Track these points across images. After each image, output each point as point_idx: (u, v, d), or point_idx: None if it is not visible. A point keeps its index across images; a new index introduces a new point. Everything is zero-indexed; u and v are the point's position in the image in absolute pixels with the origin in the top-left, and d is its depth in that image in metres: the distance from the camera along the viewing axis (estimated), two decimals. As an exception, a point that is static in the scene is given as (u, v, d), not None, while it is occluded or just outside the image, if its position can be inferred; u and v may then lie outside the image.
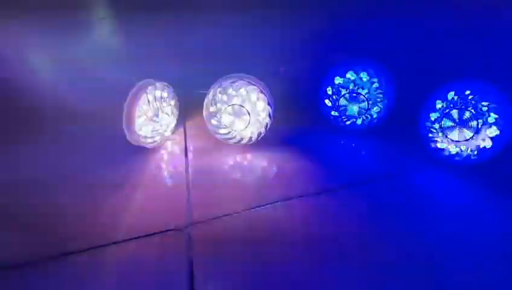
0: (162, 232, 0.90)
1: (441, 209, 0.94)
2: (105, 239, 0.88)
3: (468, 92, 0.98)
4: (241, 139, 1.15)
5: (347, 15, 1.26)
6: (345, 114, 1.17)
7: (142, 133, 1.09)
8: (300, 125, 1.27)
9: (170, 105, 1.17)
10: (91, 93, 1.33)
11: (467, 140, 0.99)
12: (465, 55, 1.12)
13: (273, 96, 1.13)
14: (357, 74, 1.13)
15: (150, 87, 1.08)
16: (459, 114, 0.98)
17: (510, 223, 0.89)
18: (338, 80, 1.15)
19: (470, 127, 0.98)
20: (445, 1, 1.13)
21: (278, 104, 1.16)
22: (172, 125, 1.20)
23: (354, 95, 1.13)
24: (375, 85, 1.13)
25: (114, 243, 0.88)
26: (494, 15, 1.06)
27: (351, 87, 1.14)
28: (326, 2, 1.26)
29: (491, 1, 1.05)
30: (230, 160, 1.14)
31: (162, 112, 1.13)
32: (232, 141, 1.15)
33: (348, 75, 1.14)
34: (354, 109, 1.15)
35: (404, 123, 1.13)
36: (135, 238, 0.88)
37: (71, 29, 1.44)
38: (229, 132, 1.14)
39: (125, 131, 1.05)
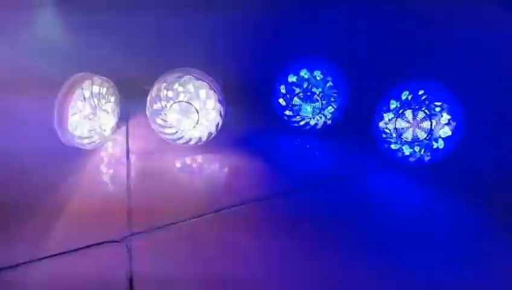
0: (99, 244, 0.83)
1: (395, 210, 0.94)
2: (36, 253, 0.80)
3: (421, 92, 0.97)
4: (190, 139, 1.07)
5: (300, 13, 1.25)
6: (299, 114, 1.13)
7: (77, 133, 1.00)
8: (253, 125, 1.22)
9: (110, 102, 1.07)
10: (24, 88, 1.20)
11: (420, 141, 0.98)
12: (418, 55, 1.12)
13: (224, 93, 1.07)
14: (311, 73, 1.09)
15: (86, 82, 0.99)
16: (413, 114, 0.97)
17: (461, 223, 0.91)
18: (292, 78, 1.11)
19: (422, 128, 0.97)
20: (397, 1, 1.13)
21: (230, 103, 1.10)
22: (112, 124, 1.10)
23: (308, 94, 1.10)
24: (329, 84, 1.10)
25: (46, 257, 0.79)
26: (446, 16, 1.07)
27: (304, 86, 1.10)
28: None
29: (443, 3, 1.06)
30: (177, 163, 1.07)
31: (100, 109, 1.04)
32: (179, 142, 1.07)
33: (302, 74, 1.10)
34: (307, 108, 1.12)
35: (358, 123, 1.12)
36: (69, 251, 0.81)
37: (9, 18, 1.30)
38: (176, 132, 1.06)
39: (57, 130, 0.96)
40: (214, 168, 1.07)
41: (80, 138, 1.01)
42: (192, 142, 1.08)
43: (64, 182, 0.98)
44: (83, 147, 1.03)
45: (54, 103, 0.96)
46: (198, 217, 0.90)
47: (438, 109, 0.96)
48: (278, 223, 0.89)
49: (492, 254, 0.83)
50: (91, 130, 1.03)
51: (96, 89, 1.02)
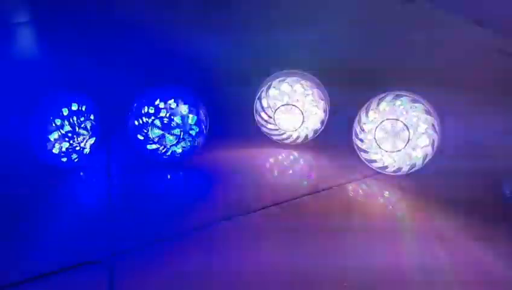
0: (79, 265, 0.81)
1: (377, 219, 0.95)
2: (13, 276, 0.77)
3: (398, 103, 1.00)
4: (174, 154, 1.07)
5: (281, 28, 1.26)
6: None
7: (55, 151, 0.98)
8: (235, 139, 1.21)
9: (90, 119, 1.05)
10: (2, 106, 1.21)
11: (399, 150, 1.00)
12: (395, 68, 1.15)
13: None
14: (292, 86, 1.11)
15: (65, 99, 0.99)
16: (391, 125, 1.00)
17: (442, 231, 0.92)
18: (274, 92, 1.11)
19: (401, 138, 0.99)
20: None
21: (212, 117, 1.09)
22: (92, 141, 1.09)
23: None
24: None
25: (24, 280, 0.77)
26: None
27: (285, 99, 1.11)
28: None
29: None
30: (160, 180, 1.06)
31: (80, 127, 1.02)
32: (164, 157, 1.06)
33: (282, 88, 1.11)
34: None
35: (339, 135, 1.13)
36: (48, 273, 0.79)
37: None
38: (159, 147, 1.05)
39: (35, 149, 0.95)
40: (197, 183, 1.06)
41: (59, 156, 0.99)
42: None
43: (43, 202, 0.96)
44: (62, 166, 1.01)
45: (32, 121, 0.95)
46: (181, 234, 0.89)
47: (414, 120, 0.99)
48: (263, 237, 0.89)
49: (473, 261, 0.84)
50: (70, 148, 1.01)
51: (75, 106, 1.01)
